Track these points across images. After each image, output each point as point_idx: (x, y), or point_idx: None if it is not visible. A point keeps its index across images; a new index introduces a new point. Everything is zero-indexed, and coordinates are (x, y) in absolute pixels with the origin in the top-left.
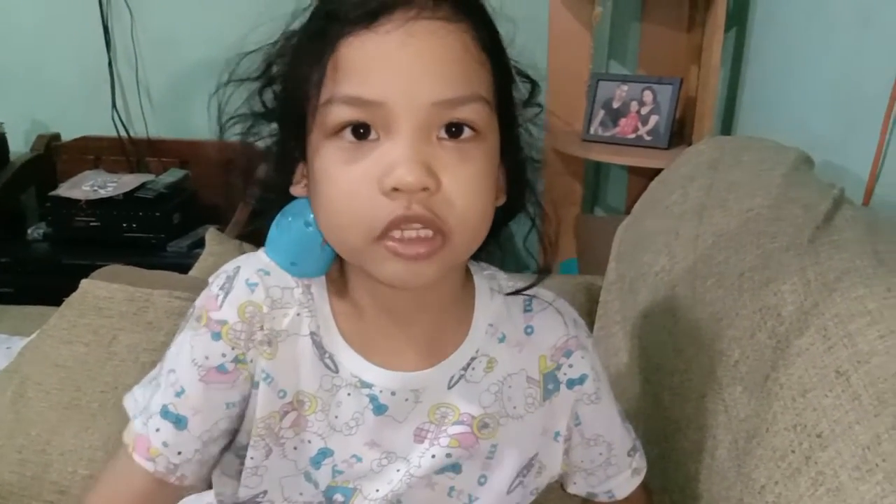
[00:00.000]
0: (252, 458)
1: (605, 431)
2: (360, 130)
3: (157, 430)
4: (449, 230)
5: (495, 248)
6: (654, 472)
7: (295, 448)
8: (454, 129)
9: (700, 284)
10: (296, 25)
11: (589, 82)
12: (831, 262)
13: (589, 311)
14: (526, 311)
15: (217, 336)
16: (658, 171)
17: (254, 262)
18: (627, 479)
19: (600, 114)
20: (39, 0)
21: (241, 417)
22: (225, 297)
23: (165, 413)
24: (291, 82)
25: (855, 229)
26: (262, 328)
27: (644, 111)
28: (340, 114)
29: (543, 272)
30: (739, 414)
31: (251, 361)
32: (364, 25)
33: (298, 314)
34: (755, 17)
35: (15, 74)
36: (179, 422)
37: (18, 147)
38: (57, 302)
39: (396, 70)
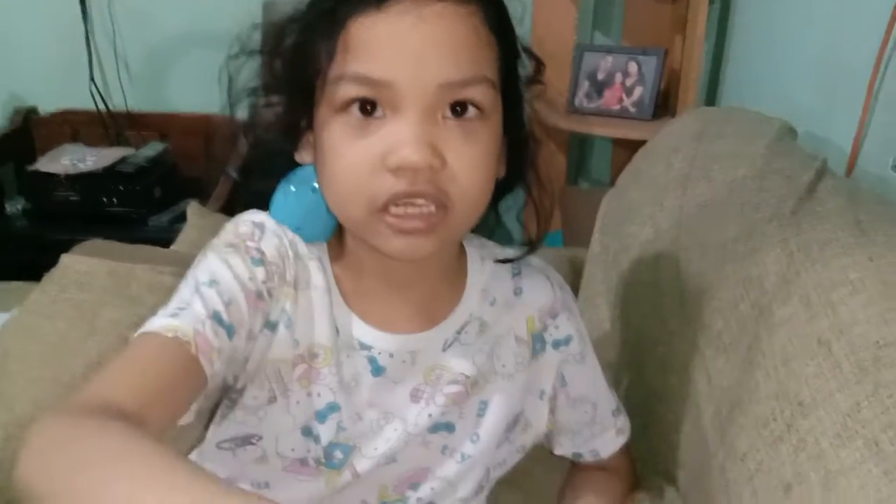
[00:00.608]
0: (255, 397)
1: (590, 391)
2: (368, 107)
3: (214, 331)
4: (451, 204)
5: (491, 218)
6: (638, 441)
7: (298, 402)
8: (459, 109)
9: (684, 255)
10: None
11: (574, 53)
12: (814, 233)
13: (573, 283)
14: (514, 275)
15: (258, 262)
16: (642, 143)
17: (268, 217)
18: (612, 438)
19: (585, 85)
20: None
21: (245, 360)
22: (262, 234)
23: (218, 318)
24: (301, 56)
25: (837, 200)
26: (290, 270)
27: (629, 83)
28: (349, 91)
29: (536, 242)
30: (723, 383)
31: (279, 300)
32: (374, 6)
33: (318, 268)
34: None
35: None
36: (230, 331)
37: None
38: (37, 277)
39: (405, 51)
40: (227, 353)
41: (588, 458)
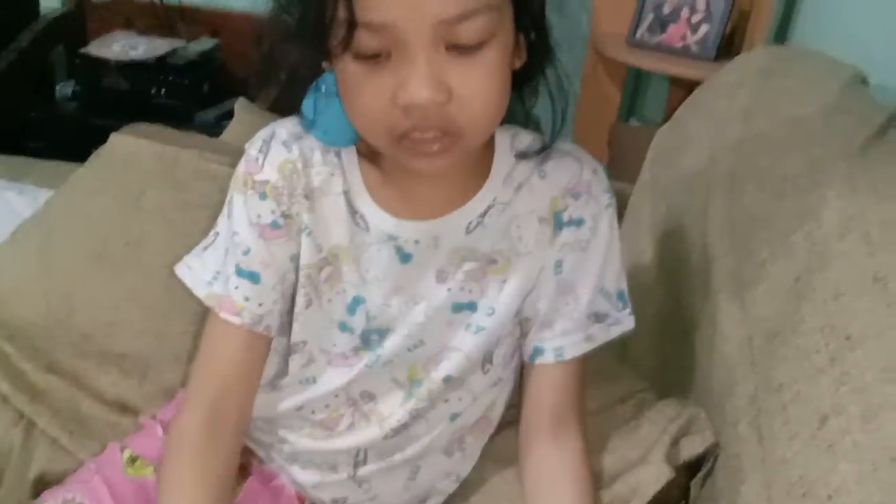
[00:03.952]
0: (297, 304)
1: (579, 283)
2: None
3: (237, 287)
4: (462, 131)
5: (519, 110)
6: (673, 370)
7: (329, 301)
8: (459, 46)
9: (739, 187)
10: None
11: None
12: (882, 170)
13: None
14: (542, 160)
15: (263, 196)
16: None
17: (288, 126)
18: (578, 341)
19: (649, 17)
20: None
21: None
22: (265, 158)
23: (240, 271)
24: None
25: None
26: (300, 183)
27: (695, 19)
28: (355, 37)
29: (551, 139)
30: (759, 313)
31: (297, 214)
32: None
33: (332, 174)
34: None
35: None
36: (253, 277)
37: (49, 2)
38: (83, 159)
39: None
40: (263, 294)
41: (549, 357)
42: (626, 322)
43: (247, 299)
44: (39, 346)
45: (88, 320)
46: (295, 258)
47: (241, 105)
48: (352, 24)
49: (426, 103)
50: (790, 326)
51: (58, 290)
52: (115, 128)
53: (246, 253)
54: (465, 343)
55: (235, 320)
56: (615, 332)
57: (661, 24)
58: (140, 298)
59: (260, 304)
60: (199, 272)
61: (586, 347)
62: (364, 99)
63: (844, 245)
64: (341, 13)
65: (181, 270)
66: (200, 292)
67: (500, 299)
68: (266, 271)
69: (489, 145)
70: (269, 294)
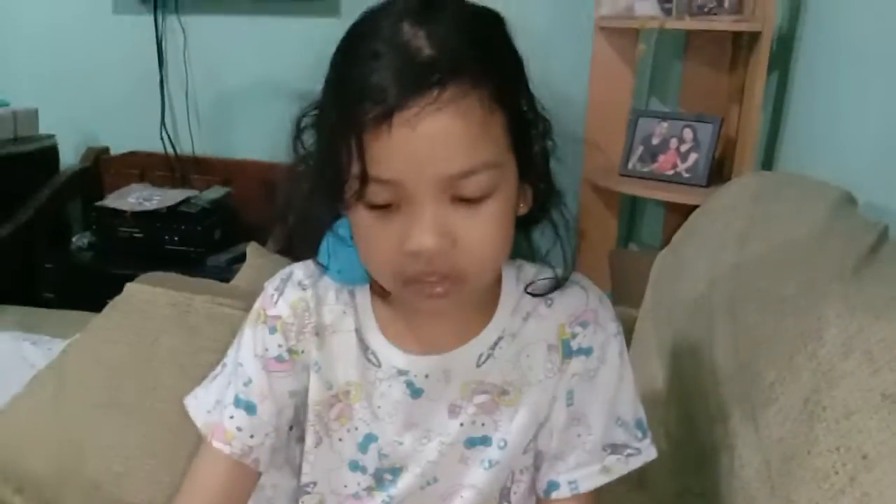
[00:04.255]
0: (307, 443)
1: (590, 413)
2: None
3: (231, 416)
4: (465, 276)
5: (524, 248)
6: (693, 498)
7: (340, 440)
8: (462, 198)
9: (740, 310)
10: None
11: (629, 118)
12: (877, 290)
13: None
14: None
15: (273, 330)
16: (695, 209)
17: (305, 268)
18: (594, 473)
19: (639, 149)
20: (97, 18)
21: (305, 407)
22: (280, 296)
23: (237, 401)
24: (322, 148)
25: None
26: (311, 321)
27: (684, 148)
28: (364, 190)
29: (562, 279)
30: (773, 435)
31: (303, 352)
32: (383, 121)
33: (344, 312)
34: (798, 60)
35: (69, 89)
36: (250, 408)
37: (68, 158)
38: (97, 309)
39: (407, 155)
40: (256, 427)
41: (564, 491)
42: (647, 452)
43: (239, 430)
44: (48, 499)
45: (99, 470)
46: (295, 395)
47: (252, 249)
48: (364, 179)
49: (431, 250)
50: (805, 448)
51: (70, 440)
52: (129, 276)
53: (247, 384)
54: (477, 479)
55: (225, 449)
56: (635, 462)
57: (652, 154)
58: (152, 446)
59: (251, 436)
60: (203, 402)
61: (603, 480)
62: (375, 244)
63: (849, 364)
64: (355, 169)
65: (189, 401)
66: (199, 421)
67: (511, 430)
68: (263, 403)
69: (496, 279)
70: (264, 427)
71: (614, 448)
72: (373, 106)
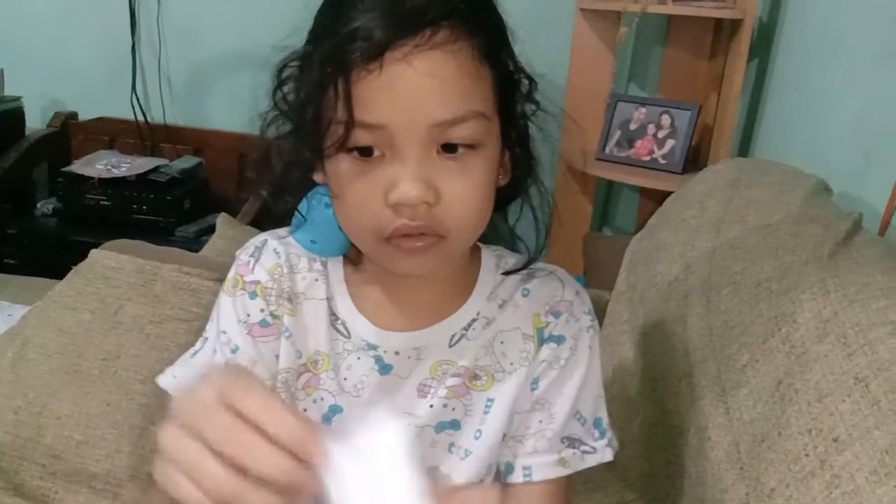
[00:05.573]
0: None
1: (554, 402)
2: (367, 151)
3: None
4: (447, 233)
5: (503, 227)
6: (662, 479)
7: (305, 410)
8: (450, 148)
9: (714, 294)
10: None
11: (608, 102)
12: (851, 276)
13: None
14: (525, 279)
15: (253, 295)
16: (670, 195)
17: (278, 235)
18: (550, 464)
19: (616, 134)
20: None
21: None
22: (256, 262)
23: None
24: (305, 95)
25: (874, 248)
26: (286, 286)
27: (661, 134)
28: (349, 136)
29: (534, 254)
30: (743, 417)
31: (280, 316)
32: (373, 59)
33: (317, 280)
34: (778, 49)
35: (37, 53)
36: None
37: (35, 123)
38: (60, 276)
39: (396, 98)
40: None
41: (518, 475)
42: (601, 453)
43: None
44: (5, 468)
45: (59, 439)
46: (272, 358)
47: (222, 220)
48: (349, 124)
49: (415, 201)
50: (776, 430)
51: (29, 408)
52: (95, 244)
53: (234, 351)
54: (455, 469)
55: None
56: (590, 461)
57: (629, 139)
58: (113, 415)
59: None
60: (185, 378)
61: (558, 472)
62: (356, 197)
63: (823, 347)
64: (340, 113)
65: (165, 381)
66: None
67: (487, 421)
68: (255, 368)
69: (475, 262)
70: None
71: (571, 442)
72: (362, 44)
